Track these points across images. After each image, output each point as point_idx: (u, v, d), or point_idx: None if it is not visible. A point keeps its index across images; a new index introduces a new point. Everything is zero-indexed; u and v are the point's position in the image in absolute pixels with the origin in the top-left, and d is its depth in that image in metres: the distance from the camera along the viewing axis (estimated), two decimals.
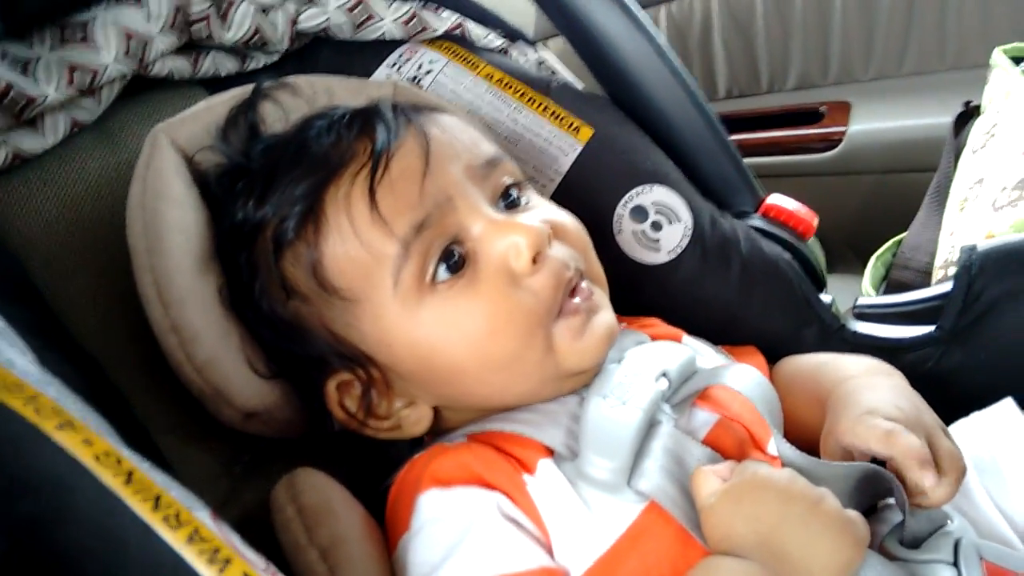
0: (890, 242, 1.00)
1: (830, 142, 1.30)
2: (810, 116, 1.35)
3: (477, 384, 0.49)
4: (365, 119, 0.50)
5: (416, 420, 0.51)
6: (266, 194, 0.49)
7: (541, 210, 0.52)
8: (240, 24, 0.65)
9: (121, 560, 0.29)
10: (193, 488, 0.33)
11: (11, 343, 0.38)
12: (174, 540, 0.30)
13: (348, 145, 0.49)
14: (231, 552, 0.31)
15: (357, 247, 0.47)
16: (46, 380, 0.36)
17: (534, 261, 0.47)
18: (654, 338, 0.55)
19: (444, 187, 0.48)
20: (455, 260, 0.47)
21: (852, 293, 0.79)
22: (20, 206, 0.52)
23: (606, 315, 0.50)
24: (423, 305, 0.47)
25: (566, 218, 0.53)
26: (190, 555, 0.30)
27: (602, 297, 0.52)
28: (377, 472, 0.50)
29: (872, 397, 0.48)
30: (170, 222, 0.50)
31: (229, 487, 0.50)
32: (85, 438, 0.32)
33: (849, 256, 1.27)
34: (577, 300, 0.49)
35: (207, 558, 0.30)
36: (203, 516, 0.32)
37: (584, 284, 0.50)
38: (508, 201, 0.51)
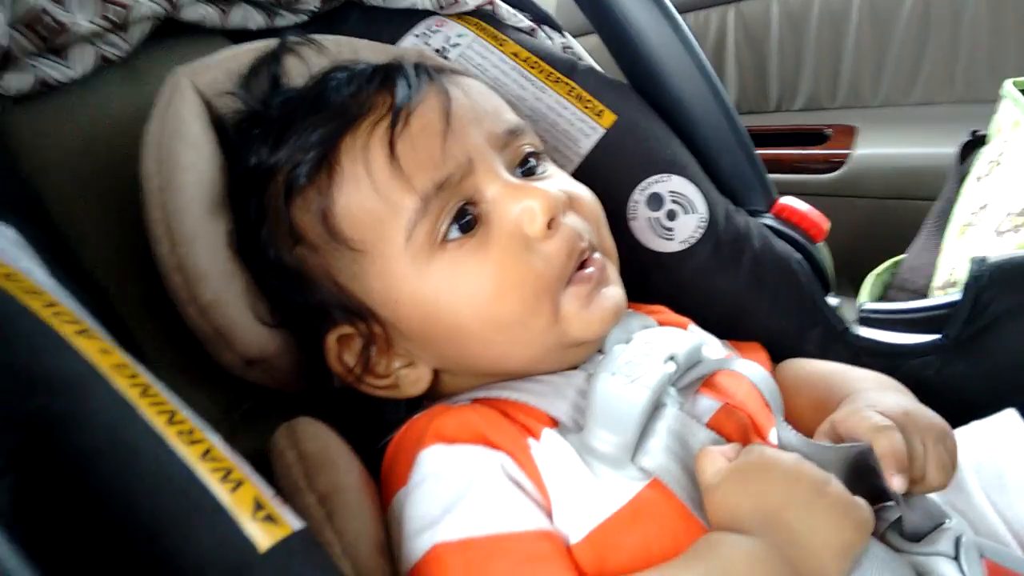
0: (888, 263, 1.01)
1: (833, 163, 1.32)
2: (815, 137, 1.37)
3: (479, 345, 0.48)
4: (386, 73, 0.50)
5: (414, 380, 0.51)
6: (281, 140, 0.49)
7: (558, 180, 0.52)
8: None
9: (132, 467, 0.28)
10: None
11: (29, 256, 0.37)
12: (188, 455, 0.29)
13: (368, 97, 0.49)
14: (243, 475, 0.31)
15: (372, 198, 0.47)
16: (63, 293, 0.35)
17: (548, 227, 0.47)
18: (661, 324, 0.55)
19: (465, 150, 0.48)
20: (467, 220, 0.47)
21: (846, 314, 0.79)
22: (43, 133, 0.52)
23: (615, 289, 0.51)
24: (432, 261, 0.47)
25: (582, 190, 0.53)
26: (203, 471, 0.29)
27: (613, 271, 0.52)
28: (373, 433, 0.49)
29: (877, 397, 0.49)
30: (184, 162, 0.49)
31: (227, 433, 0.49)
32: (102, 347, 0.31)
33: (843, 279, 1.28)
34: (590, 270, 0.49)
35: (220, 476, 0.29)
36: (216, 439, 0.32)
37: (596, 256, 0.50)
38: (526, 168, 0.51)
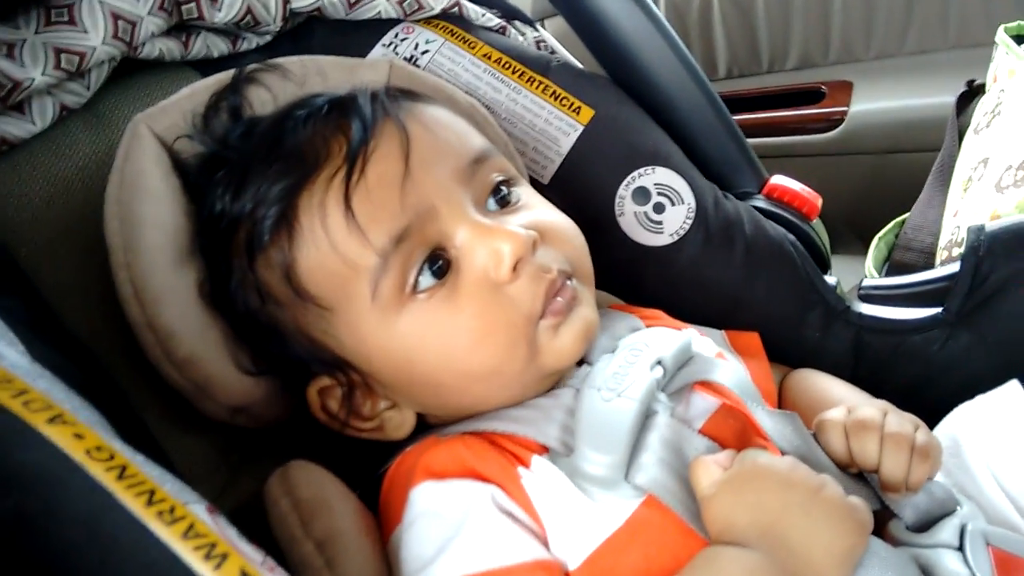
0: (892, 223, 0.99)
1: (831, 122, 1.29)
2: (811, 96, 1.33)
3: (456, 394, 0.48)
4: (342, 113, 0.48)
5: (398, 424, 0.50)
6: (241, 189, 0.47)
7: (531, 212, 0.50)
8: (231, 5, 0.63)
9: (113, 558, 0.28)
10: (190, 478, 0.32)
11: (2, 334, 0.37)
12: (168, 536, 0.29)
13: (323, 142, 0.46)
14: (228, 547, 0.30)
15: (332, 257, 0.45)
16: (36, 372, 0.35)
17: (515, 269, 0.45)
18: (650, 326, 0.54)
19: (427, 194, 0.46)
20: (439, 266, 0.46)
21: (853, 274, 0.77)
22: (8, 192, 0.51)
23: (585, 310, 0.48)
24: (401, 315, 0.45)
25: (556, 218, 0.51)
26: (185, 551, 0.29)
27: (585, 294, 0.49)
28: (374, 457, 0.49)
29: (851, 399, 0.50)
30: (146, 217, 0.48)
31: (227, 476, 0.50)
32: (76, 432, 0.31)
33: (850, 237, 1.26)
34: (559, 300, 0.47)
35: (203, 553, 0.29)
36: (199, 510, 0.32)
37: (568, 283, 0.48)
38: (499, 198, 0.49)
